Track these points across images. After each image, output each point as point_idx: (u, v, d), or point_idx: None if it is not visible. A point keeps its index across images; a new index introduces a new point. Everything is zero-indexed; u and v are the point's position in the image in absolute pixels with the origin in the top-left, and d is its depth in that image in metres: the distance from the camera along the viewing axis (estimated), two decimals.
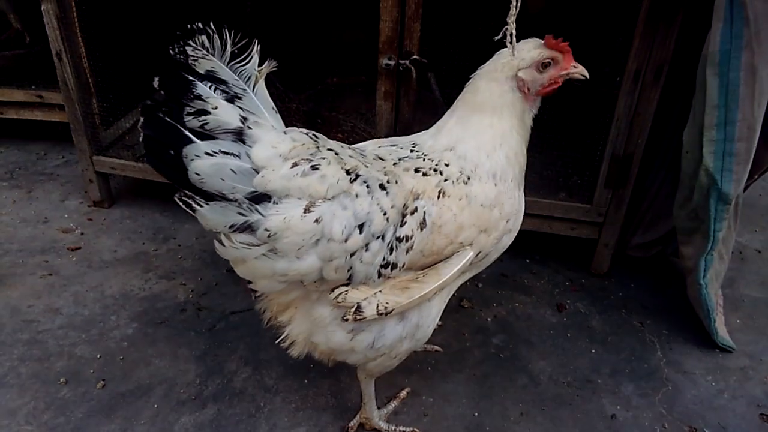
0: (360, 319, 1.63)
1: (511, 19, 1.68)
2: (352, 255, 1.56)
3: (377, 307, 1.63)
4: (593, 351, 2.45)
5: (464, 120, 1.78)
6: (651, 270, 2.91)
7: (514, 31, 1.69)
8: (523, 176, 1.88)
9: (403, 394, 2.20)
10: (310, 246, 1.51)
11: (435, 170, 1.70)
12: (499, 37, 1.71)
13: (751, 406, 2.22)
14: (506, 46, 1.71)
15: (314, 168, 1.49)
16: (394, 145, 1.82)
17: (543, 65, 1.73)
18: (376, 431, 2.07)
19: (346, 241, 1.53)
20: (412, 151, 1.78)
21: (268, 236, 1.47)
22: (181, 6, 3.01)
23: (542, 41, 1.75)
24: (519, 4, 1.64)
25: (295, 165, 1.47)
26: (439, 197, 1.66)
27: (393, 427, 2.07)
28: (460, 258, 1.71)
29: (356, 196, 1.55)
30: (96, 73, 3.00)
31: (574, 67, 1.75)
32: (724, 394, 2.27)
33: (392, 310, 1.65)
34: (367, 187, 1.57)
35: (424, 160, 1.74)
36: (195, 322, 2.51)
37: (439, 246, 1.67)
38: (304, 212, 1.48)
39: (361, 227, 1.55)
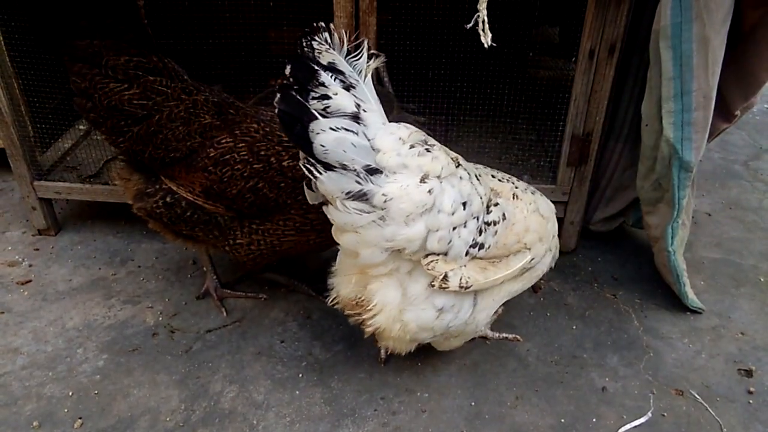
0: (444, 288, 1.83)
1: (483, 5, 1.67)
2: (454, 228, 1.78)
3: (461, 279, 1.84)
4: (574, 327, 2.50)
5: None
6: (614, 243, 3.00)
7: (485, 18, 1.68)
8: None
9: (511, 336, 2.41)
10: (419, 214, 1.70)
11: (507, 180, 2.07)
12: (470, 24, 1.70)
13: (729, 363, 2.32)
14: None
15: (428, 150, 1.72)
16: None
17: None
18: None
19: (452, 214, 1.75)
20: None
21: (385, 201, 1.65)
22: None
23: None
24: None
25: (412, 147, 1.70)
26: (513, 198, 1.99)
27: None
28: (521, 256, 1.99)
29: (460, 178, 1.79)
30: (29, 92, 2.81)
31: None
32: (701, 354, 2.36)
33: (470, 287, 1.86)
34: (468, 174, 1.83)
35: (496, 173, 2.10)
36: (170, 345, 2.39)
37: (509, 241, 1.93)
38: (420, 182, 1.68)
39: (464, 205, 1.78)
